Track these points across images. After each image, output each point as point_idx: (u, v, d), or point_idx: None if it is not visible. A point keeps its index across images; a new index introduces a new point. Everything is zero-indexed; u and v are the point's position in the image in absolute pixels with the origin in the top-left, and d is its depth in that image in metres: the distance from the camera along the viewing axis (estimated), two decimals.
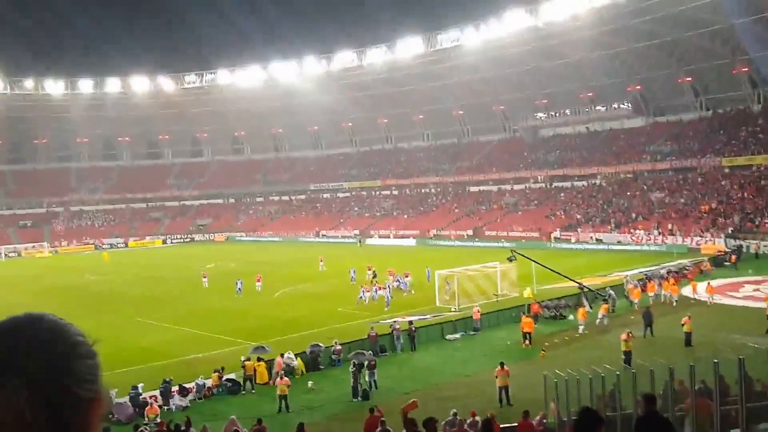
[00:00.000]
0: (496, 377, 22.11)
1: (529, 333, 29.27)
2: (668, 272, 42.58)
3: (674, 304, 34.95)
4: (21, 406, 1.30)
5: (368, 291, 41.12)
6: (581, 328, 30.99)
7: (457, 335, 31.35)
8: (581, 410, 6.04)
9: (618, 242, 65.44)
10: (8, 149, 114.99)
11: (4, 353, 1.34)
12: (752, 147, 71.05)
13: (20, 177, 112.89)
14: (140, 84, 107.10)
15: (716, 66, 77.55)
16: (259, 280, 47.93)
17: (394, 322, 31.20)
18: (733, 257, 49.71)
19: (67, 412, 1.35)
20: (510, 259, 39.45)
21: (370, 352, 26.72)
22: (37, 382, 1.33)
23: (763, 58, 71.09)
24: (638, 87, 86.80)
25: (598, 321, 32.08)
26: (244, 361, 25.56)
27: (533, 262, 39.53)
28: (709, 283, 36.55)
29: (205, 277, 51.84)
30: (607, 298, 35.40)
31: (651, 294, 36.28)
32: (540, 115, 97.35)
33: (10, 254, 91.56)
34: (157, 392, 23.57)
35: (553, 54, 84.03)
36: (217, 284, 50.46)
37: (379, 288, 41.57)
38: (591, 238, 68.79)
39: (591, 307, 35.29)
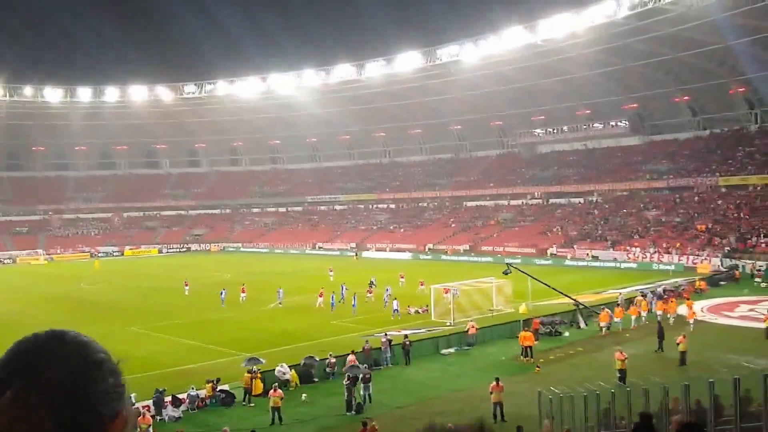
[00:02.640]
0: (491, 393, 22.05)
1: (530, 347, 29.24)
2: (664, 291, 42.59)
3: (671, 322, 34.74)
4: (41, 423, 1.30)
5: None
6: (604, 329, 33.57)
7: (452, 350, 31.28)
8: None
9: (614, 260, 65.50)
10: (6, 156, 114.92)
11: (25, 370, 1.34)
12: (748, 167, 71.35)
13: (17, 184, 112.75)
14: (139, 93, 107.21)
15: (713, 86, 78.03)
16: (243, 291, 47.89)
17: (385, 334, 31.08)
18: (737, 272, 51.27)
19: (89, 429, 1.35)
20: (505, 273, 39.46)
21: (365, 365, 26.60)
22: (58, 400, 1.32)
23: (759, 78, 71.62)
24: (635, 105, 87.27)
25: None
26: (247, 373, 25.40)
27: (529, 277, 39.52)
28: (691, 307, 35.24)
29: (186, 285, 52.52)
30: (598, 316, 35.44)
31: (648, 312, 36.07)
32: (537, 131, 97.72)
33: (6, 261, 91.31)
34: (149, 402, 23.43)
35: (551, 71, 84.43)
36: (209, 294, 50.19)
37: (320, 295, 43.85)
38: (587, 255, 68.84)
39: (586, 324, 35.35)
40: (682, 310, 37.41)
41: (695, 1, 63.51)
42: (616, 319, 34.58)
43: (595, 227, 75.67)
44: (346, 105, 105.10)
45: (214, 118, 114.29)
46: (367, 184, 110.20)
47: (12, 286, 64.58)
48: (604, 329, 33.57)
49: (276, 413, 22.36)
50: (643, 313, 35.75)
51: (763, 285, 47.62)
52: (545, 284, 39.27)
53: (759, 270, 52.30)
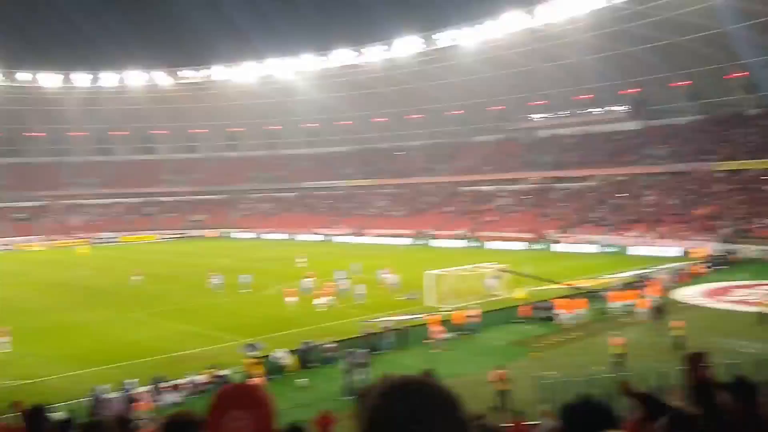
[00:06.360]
0: (494, 381, 21.85)
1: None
2: (662, 275, 42.69)
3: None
4: None
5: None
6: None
7: (449, 335, 31.31)
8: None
9: (611, 244, 65.59)
10: (2, 142, 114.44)
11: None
12: (746, 152, 71.33)
13: (14, 170, 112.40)
14: (136, 78, 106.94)
15: (711, 71, 77.88)
16: (215, 277, 48.05)
17: (385, 320, 31.29)
18: (732, 257, 51.62)
19: None
20: (497, 277, 39.74)
21: (364, 350, 26.70)
22: None
23: (757, 63, 71.49)
24: (634, 90, 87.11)
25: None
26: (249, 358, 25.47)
27: (525, 276, 39.61)
28: (642, 297, 34.44)
29: (139, 276, 51.62)
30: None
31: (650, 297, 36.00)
32: (536, 116, 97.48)
33: (4, 247, 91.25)
34: (149, 388, 23.51)
35: (551, 56, 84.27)
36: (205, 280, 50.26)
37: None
38: (585, 240, 68.91)
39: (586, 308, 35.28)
40: (686, 291, 37.63)
41: None
42: (613, 304, 34.82)
43: (593, 212, 75.73)
44: (345, 90, 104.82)
45: (211, 103, 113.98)
46: (366, 169, 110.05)
47: (10, 272, 64.65)
48: (568, 322, 32.45)
49: None
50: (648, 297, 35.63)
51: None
52: (539, 278, 39.36)
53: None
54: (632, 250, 62.32)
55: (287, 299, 39.48)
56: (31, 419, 4.19)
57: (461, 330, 31.50)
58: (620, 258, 58.90)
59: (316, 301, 38.73)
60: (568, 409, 2.94)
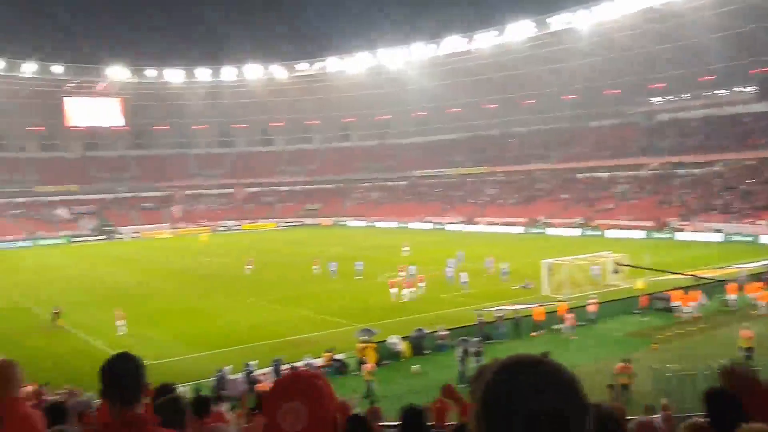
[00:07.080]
0: (619, 373, 20.88)
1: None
2: None
3: None
4: None
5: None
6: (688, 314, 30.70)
7: (561, 326, 30.71)
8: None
9: (739, 233, 62.18)
10: (133, 136, 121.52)
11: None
12: None
13: (143, 162, 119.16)
14: (254, 72, 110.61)
15: None
16: (316, 264, 50.16)
17: (499, 309, 31.11)
18: None
19: None
20: (615, 272, 38.54)
21: (478, 338, 26.65)
22: None
23: None
24: (765, 69, 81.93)
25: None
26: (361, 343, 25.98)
27: (641, 268, 38.17)
28: (766, 290, 31.94)
29: (249, 266, 52.55)
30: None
31: None
32: (656, 99, 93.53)
33: (133, 234, 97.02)
34: (269, 370, 24.42)
35: (670, 36, 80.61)
36: (322, 267, 51.46)
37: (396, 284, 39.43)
38: (709, 228, 65.64)
39: (709, 299, 33.75)
40: None
41: None
42: (731, 296, 32.99)
43: (717, 199, 71.97)
44: (455, 77, 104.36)
45: (325, 95, 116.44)
46: (476, 157, 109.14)
47: (138, 257, 68.69)
48: (687, 315, 30.66)
49: (369, 386, 22.48)
50: None
51: None
52: (659, 270, 37.77)
53: None
54: (764, 239, 58.81)
55: (392, 290, 39.04)
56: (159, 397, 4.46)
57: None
58: (750, 248, 55.77)
59: (404, 292, 38.67)
60: (712, 394, 2.89)
